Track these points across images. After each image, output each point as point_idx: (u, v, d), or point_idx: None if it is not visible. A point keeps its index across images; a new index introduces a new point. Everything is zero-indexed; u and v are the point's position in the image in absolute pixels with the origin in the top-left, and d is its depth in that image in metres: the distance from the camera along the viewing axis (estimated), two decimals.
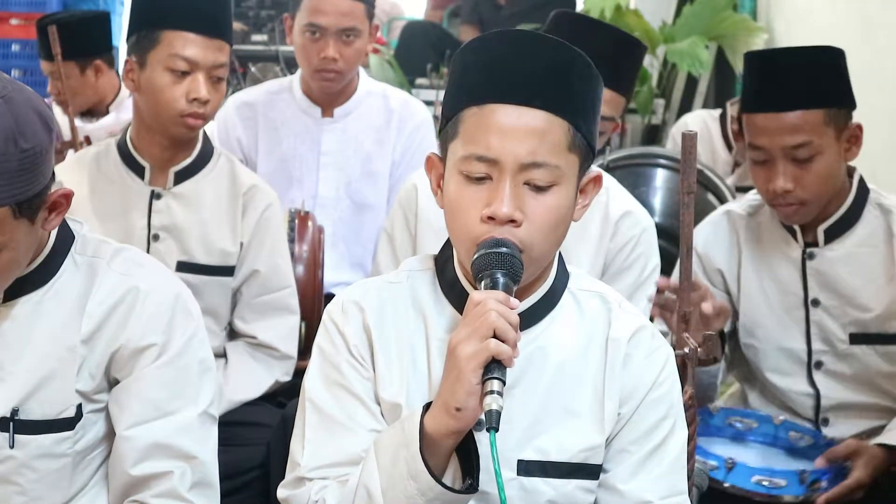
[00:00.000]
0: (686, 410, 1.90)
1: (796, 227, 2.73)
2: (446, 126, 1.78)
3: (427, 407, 1.70)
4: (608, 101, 2.67)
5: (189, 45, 2.81)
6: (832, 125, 2.61)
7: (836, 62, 2.66)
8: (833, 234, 2.71)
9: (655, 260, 2.88)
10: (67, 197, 1.95)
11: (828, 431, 2.72)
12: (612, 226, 2.82)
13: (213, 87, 2.84)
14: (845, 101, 2.66)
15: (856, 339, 2.69)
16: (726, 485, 2.50)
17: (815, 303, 2.72)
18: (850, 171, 2.73)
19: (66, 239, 2.04)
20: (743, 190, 4.46)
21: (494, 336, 1.63)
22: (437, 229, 2.73)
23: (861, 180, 2.74)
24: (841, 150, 2.64)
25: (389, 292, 1.85)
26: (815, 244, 2.72)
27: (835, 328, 2.71)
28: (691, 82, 6.11)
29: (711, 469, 2.50)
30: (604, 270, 2.83)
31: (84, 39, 3.91)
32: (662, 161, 4.18)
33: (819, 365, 2.72)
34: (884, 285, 2.68)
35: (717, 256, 2.81)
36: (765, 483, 2.50)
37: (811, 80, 2.61)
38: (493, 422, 1.60)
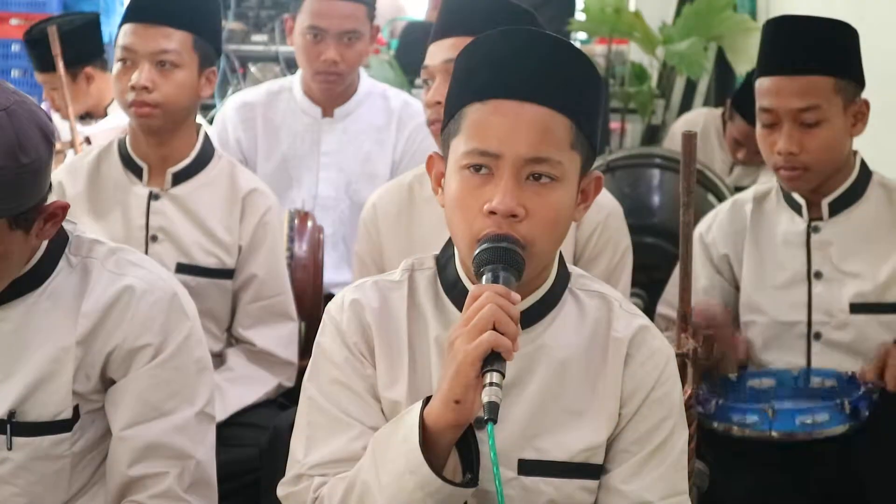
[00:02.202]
0: (686, 410, 1.90)
1: (801, 203, 2.78)
2: (448, 123, 1.78)
3: (427, 401, 1.70)
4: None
5: (129, 36, 2.84)
6: (841, 95, 2.68)
7: (849, 36, 2.73)
8: (837, 208, 2.77)
9: (626, 241, 2.88)
10: (64, 209, 1.95)
11: None
12: None
13: (161, 74, 2.83)
14: (854, 73, 2.71)
15: (856, 308, 2.74)
16: (774, 434, 2.52)
17: (818, 275, 2.77)
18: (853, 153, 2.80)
19: (60, 240, 2.03)
20: (742, 189, 4.47)
21: (494, 329, 1.63)
22: (400, 248, 2.74)
23: (863, 162, 2.80)
24: (847, 124, 2.70)
25: (390, 290, 1.85)
26: (820, 219, 2.78)
27: (836, 298, 2.75)
28: (691, 82, 6.10)
29: (753, 424, 2.53)
30: (575, 260, 2.83)
31: (72, 49, 3.90)
32: (662, 161, 4.19)
33: (818, 336, 2.76)
34: (884, 255, 2.73)
35: (722, 242, 2.87)
36: (808, 422, 2.52)
37: (823, 48, 2.68)
38: (491, 413, 1.60)
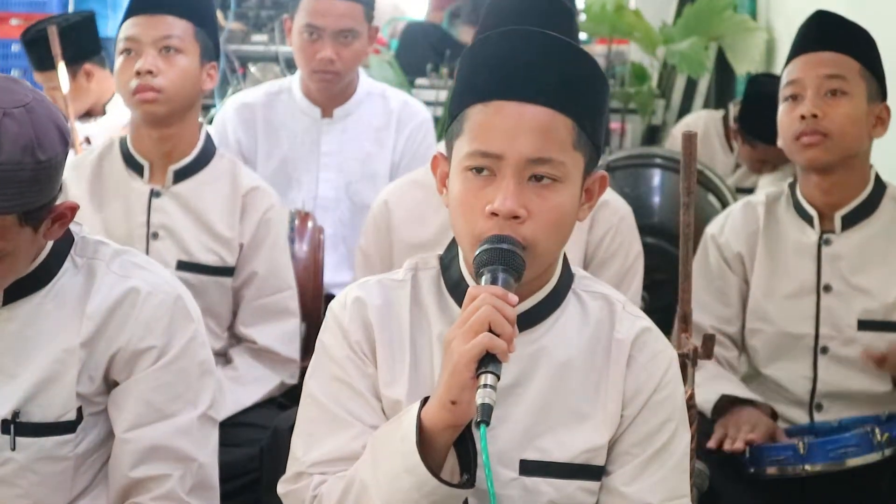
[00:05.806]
0: (687, 411, 1.90)
1: (813, 214, 2.78)
2: (452, 124, 1.78)
3: (425, 401, 1.70)
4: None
5: (132, 27, 2.89)
6: (865, 83, 2.70)
7: (874, 44, 2.76)
8: (850, 222, 2.77)
9: (637, 246, 2.90)
10: (73, 209, 1.96)
11: (820, 417, 2.75)
12: (590, 217, 2.82)
13: (165, 60, 2.86)
14: (878, 75, 2.74)
15: (864, 325, 2.73)
16: (809, 468, 2.51)
17: (827, 288, 2.76)
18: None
19: (65, 240, 2.04)
20: (743, 191, 4.46)
21: (490, 330, 1.63)
22: (412, 245, 2.74)
23: (878, 176, 2.80)
24: (869, 118, 2.71)
25: (393, 289, 1.85)
26: (832, 231, 2.77)
27: (844, 314, 2.74)
28: (691, 83, 6.10)
29: (785, 460, 2.52)
30: (587, 263, 2.83)
31: (70, 46, 3.90)
32: (662, 161, 4.19)
33: (825, 350, 2.76)
34: (895, 273, 2.73)
35: (735, 241, 2.86)
36: (841, 452, 2.51)
37: (852, 35, 2.74)
38: (484, 415, 1.59)
